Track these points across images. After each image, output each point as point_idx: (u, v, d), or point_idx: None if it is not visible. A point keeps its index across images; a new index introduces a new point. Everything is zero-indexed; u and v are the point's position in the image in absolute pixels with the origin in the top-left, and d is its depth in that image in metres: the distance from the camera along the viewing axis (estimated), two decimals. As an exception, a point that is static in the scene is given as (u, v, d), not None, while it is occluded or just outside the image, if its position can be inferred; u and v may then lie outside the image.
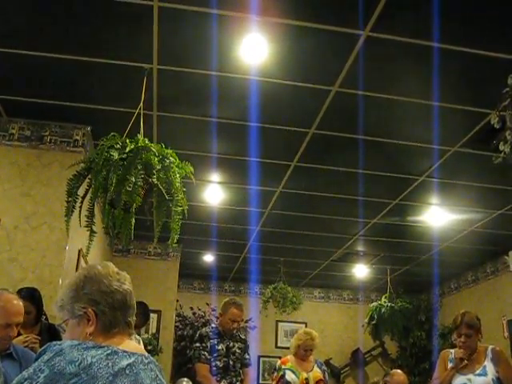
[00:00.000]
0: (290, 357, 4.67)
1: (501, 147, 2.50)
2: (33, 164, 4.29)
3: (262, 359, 9.19)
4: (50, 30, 3.32)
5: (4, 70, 3.76)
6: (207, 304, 8.59)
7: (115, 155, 2.86)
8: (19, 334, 2.77)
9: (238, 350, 4.37)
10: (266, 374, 8.97)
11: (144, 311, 5.40)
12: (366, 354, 9.34)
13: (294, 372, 4.51)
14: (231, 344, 4.35)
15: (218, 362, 4.23)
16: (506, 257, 7.05)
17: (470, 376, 3.23)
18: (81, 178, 3.01)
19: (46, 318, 3.52)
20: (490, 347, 3.30)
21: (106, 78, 3.81)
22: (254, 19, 3.11)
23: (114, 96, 4.03)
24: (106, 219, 2.86)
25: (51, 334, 3.24)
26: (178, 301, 8.08)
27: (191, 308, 8.53)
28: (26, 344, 2.81)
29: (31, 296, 3.25)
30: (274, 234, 6.95)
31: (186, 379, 5.27)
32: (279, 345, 9.33)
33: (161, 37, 3.31)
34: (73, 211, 2.96)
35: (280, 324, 9.42)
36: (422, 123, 4.18)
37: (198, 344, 4.30)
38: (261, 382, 9.11)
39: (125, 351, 1.34)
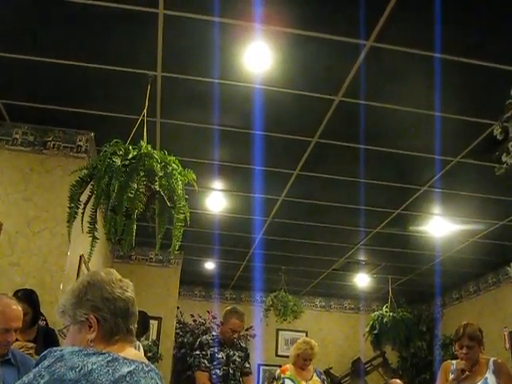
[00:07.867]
0: (289, 366, 4.65)
1: (503, 158, 2.50)
2: (36, 169, 4.30)
3: (262, 367, 9.15)
4: (54, 37, 3.33)
5: (8, 75, 3.77)
6: (208, 311, 8.57)
7: (118, 162, 2.86)
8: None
9: (238, 359, 4.35)
10: (266, 383, 8.92)
11: (143, 321, 5.34)
12: (366, 364, 9.28)
13: (293, 381, 4.49)
14: (231, 352, 4.34)
15: (217, 371, 4.21)
16: (508, 268, 7.03)
17: (471, 387, 3.21)
18: (83, 184, 3.01)
19: (47, 324, 3.52)
20: (492, 359, 3.27)
21: (110, 85, 3.82)
22: (258, 28, 3.12)
23: (117, 102, 4.05)
24: (108, 225, 2.86)
25: (47, 338, 3.22)
26: (178, 308, 8.05)
27: (192, 315, 8.51)
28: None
29: (28, 297, 3.24)
30: (275, 242, 6.94)
31: (185, 387, 5.25)
32: (279, 353, 9.28)
33: (165, 44, 3.32)
34: (75, 217, 2.96)
35: (281, 332, 9.38)
36: (424, 133, 4.18)
37: (197, 352, 4.28)
38: (260, 390, 9.07)
39: (125, 358, 1.34)
